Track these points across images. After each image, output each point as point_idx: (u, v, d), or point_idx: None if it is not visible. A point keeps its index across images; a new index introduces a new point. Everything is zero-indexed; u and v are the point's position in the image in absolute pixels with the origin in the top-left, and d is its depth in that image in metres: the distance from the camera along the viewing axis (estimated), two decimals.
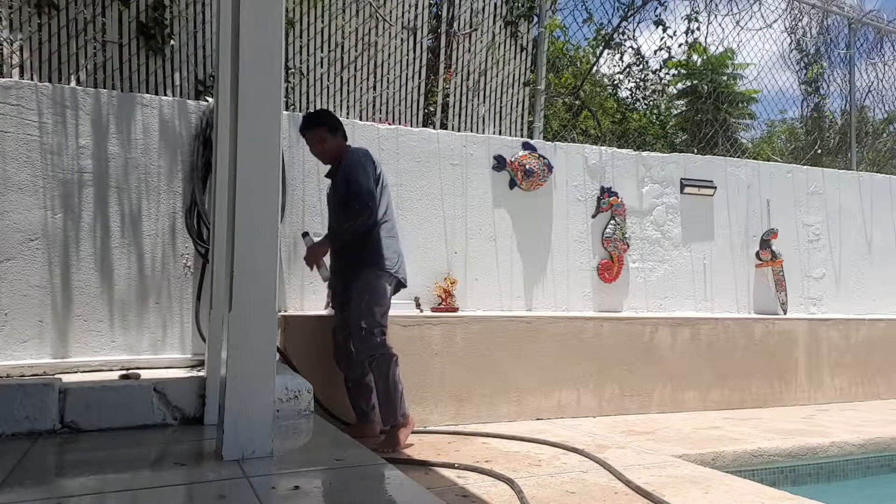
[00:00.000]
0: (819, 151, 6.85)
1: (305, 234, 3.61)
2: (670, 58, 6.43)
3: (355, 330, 3.35)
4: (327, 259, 3.52)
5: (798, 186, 5.90)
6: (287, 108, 4.32)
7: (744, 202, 5.64)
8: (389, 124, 4.57)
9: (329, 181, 3.67)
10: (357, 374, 3.52)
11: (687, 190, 5.38)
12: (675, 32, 6.20)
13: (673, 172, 5.37)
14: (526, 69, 5.27)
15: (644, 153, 5.37)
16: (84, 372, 3.46)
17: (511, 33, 5.19)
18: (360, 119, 4.62)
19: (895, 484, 3.85)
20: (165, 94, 4.03)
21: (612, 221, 5.08)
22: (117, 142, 3.75)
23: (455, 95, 5.06)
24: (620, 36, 6.11)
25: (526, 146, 4.87)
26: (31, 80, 3.71)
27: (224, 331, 2.23)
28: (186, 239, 3.82)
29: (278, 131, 2.23)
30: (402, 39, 4.81)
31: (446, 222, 4.58)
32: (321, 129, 3.49)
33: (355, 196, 3.32)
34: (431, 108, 5.06)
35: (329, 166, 3.63)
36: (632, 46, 6.33)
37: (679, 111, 7.34)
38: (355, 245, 3.40)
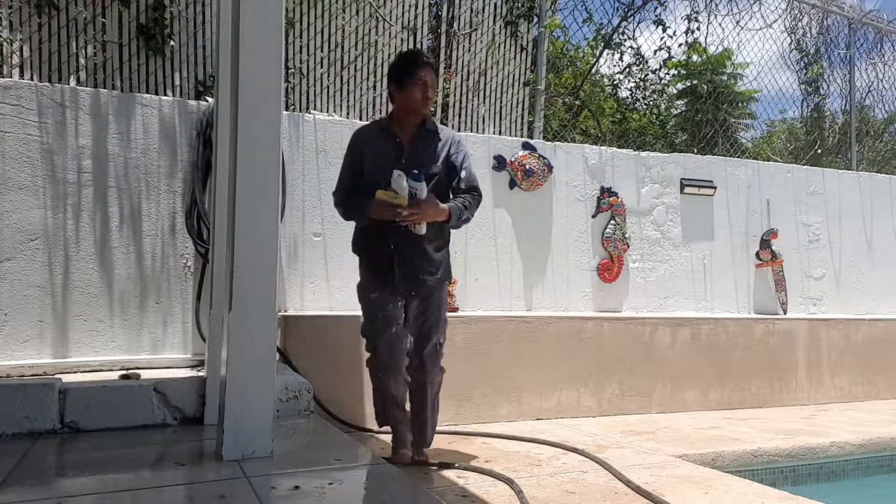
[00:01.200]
0: (819, 151, 6.85)
1: (417, 175, 2.75)
2: (670, 58, 6.43)
3: (434, 346, 2.93)
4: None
5: (798, 186, 5.90)
6: (287, 108, 4.32)
7: (744, 202, 5.64)
8: None
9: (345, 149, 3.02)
10: (404, 391, 3.01)
11: (687, 190, 5.38)
12: (674, 32, 6.20)
13: (673, 172, 5.37)
14: (526, 69, 5.27)
15: (644, 153, 5.37)
16: (84, 372, 3.46)
17: (511, 33, 5.19)
18: (361, 119, 4.62)
19: (895, 484, 3.85)
20: (165, 94, 4.03)
21: (612, 221, 5.08)
22: (117, 142, 3.74)
23: (455, 95, 5.06)
24: (620, 36, 6.10)
25: (526, 146, 4.86)
26: (31, 79, 3.71)
27: (224, 331, 2.23)
28: (186, 239, 3.82)
29: (278, 131, 2.23)
30: (402, 39, 4.81)
31: None
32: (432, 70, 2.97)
33: (475, 182, 2.98)
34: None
35: (360, 133, 3.04)
36: (632, 46, 6.32)
37: (679, 111, 7.33)
38: (434, 251, 2.90)
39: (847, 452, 3.81)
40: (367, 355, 2.99)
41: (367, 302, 2.94)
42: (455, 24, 5.05)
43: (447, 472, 2.90)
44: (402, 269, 2.84)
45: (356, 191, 2.92)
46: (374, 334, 2.91)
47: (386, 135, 2.95)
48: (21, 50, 3.74)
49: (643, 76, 6.87)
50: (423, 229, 2.78)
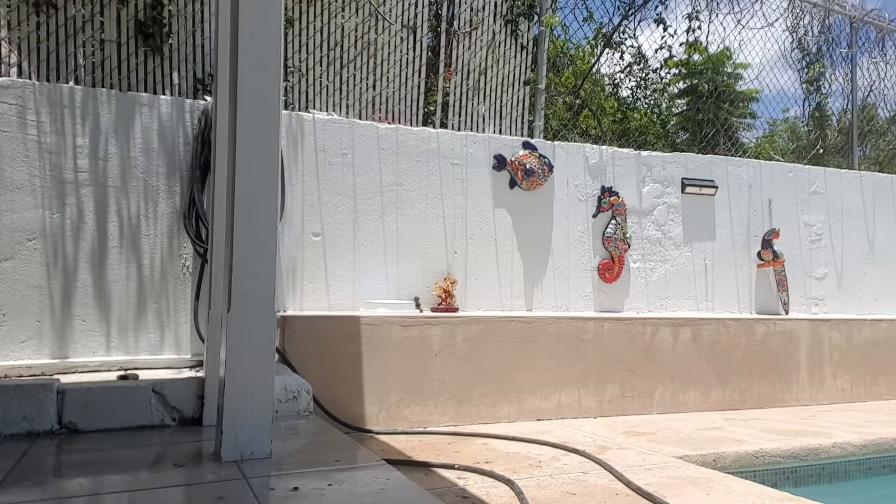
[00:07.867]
0: (821, 151, 6.84)
1: None
2: (671, 57, 6.41)
3: None
4: None
5: (800, 186, 5.89)
6: (286, 108, 4.31)
7: (745, 202, 5.63)
8: (389, 123, 4.56)
9: None
10: None
11: (688, 189, 5.36)
12: (675, 31, 6.18)
13: (674, 172, 5.36)
14: (526, 68, 5.26)
15: (645, 153, 5.35)
16: (82, 372, 3.45)
17: (511, 32, 5.17)
18: (360, 118, 4.60)
19: None
20: (164, 94, 4.01)
21: (613, 221, 5.06)
22: (115, 141, 3.73)
23: (455, 94, 5.04)
24: (621, 35, 6.09)
25: (526, 145, 4.85)
26: (29, 79, 3.69)
27: (223, 331, 2.21)
28: (185, 239, 3.81)
29: (278, 130, 2.21)
30: (401, 38, 4.80)
31: (446, 222, 4.56)
32: None
33: None
34: (431, 107, 5.04)
35: None
36: (632, 45, 6.31)
37: (680, 110, 7.32)
38: None
39: (849, 453, 3.80)
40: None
41: None
42: (455, 23, 5.03)
43: (447, 473, 2.88)
44: None
45: None
46: None
47: None
48: (19, 49, 3.72)
49: (644, 75, 6.86)
50: None
